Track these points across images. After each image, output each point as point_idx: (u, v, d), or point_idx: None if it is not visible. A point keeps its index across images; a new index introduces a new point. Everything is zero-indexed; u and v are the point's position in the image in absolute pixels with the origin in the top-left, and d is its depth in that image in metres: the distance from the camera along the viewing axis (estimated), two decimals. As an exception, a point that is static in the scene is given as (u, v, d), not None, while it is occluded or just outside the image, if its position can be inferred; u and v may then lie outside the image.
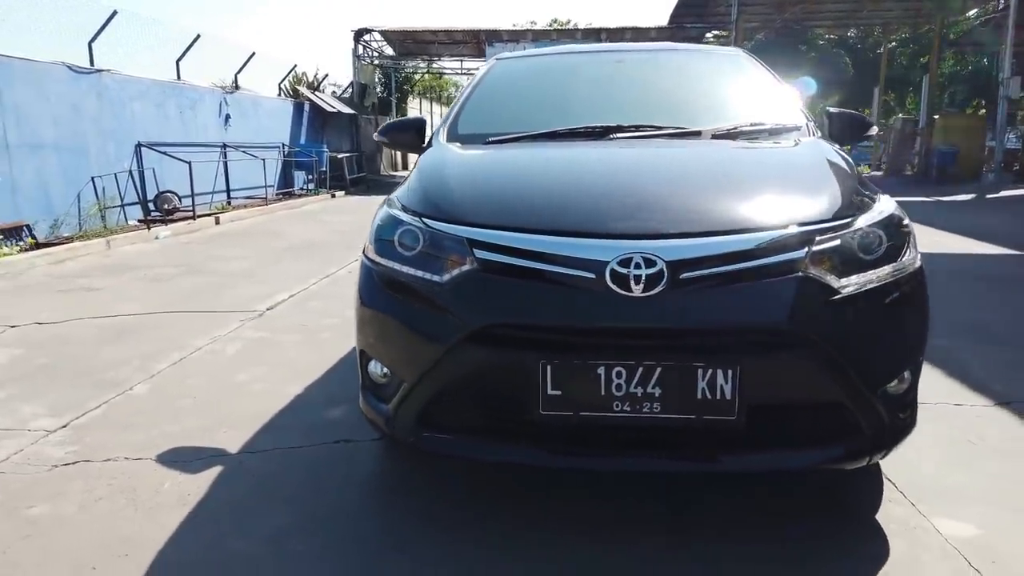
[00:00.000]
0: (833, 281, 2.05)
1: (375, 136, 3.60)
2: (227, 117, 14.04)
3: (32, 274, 7.17)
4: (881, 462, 2.72)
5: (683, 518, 2.38)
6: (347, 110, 21.51)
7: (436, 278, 2.17)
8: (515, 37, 24.13)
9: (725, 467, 2.15)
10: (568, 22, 50.33)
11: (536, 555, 2.16)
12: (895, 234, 2.21)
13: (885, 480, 2.62)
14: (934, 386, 3.58)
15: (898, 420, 2.19)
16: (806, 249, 2.06)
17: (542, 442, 2.14)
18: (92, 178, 9.91)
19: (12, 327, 4.96)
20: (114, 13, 10.25)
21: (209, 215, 11.74)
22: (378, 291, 2.33)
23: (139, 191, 10.75)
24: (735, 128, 2.96)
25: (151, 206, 11.26)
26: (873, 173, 26.29)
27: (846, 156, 2.74)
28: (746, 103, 3.32)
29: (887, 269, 2.14)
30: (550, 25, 48.09)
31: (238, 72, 15.18)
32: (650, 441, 2.11)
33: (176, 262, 7.83)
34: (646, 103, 3.34)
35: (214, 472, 2.71)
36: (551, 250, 2.08)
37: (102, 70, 10.33)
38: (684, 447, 2.11)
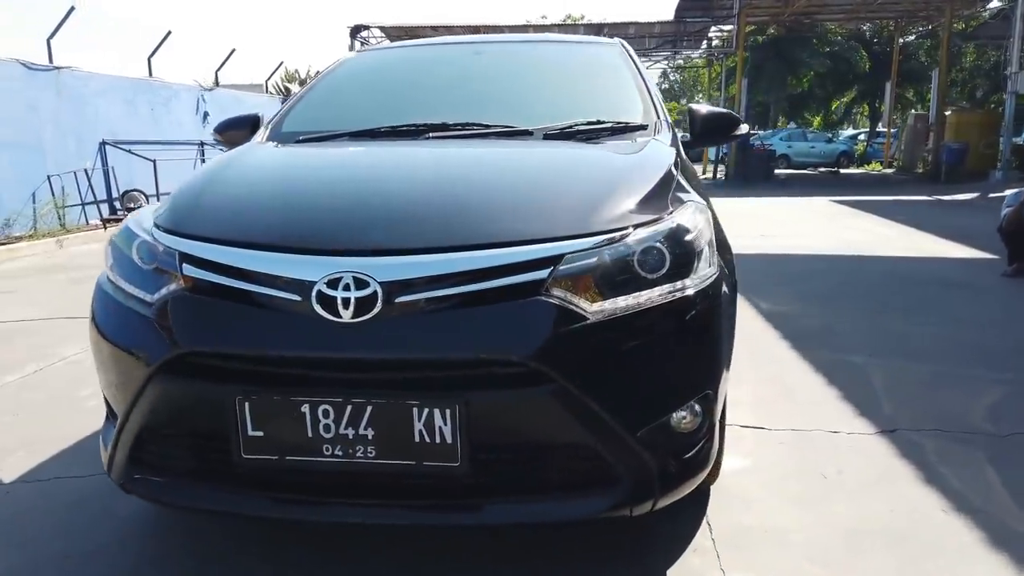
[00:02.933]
0: (583, 305, 1.76)
1: (211, 134, 3.35)
2: (205, 114, 13.89)
3: (-41, 276, 7.04)
4: (713, 492, 2.45)
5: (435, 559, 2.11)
6: (342, 107, 21.31)
7: (148, 298, 1.91)
8: (515, 33, 23.83)
9: (452, 521, 1.87)
10: (582, 17, 49.91)
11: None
12: (677, 250, 1.90)
13: (704, 520, 2.33)
14: (820, 410, 3.27)
15: (673, 464, 1.89)
16: (550, 268, 1.77)
17: (250, 488, 1.87)
18: (48, 177, 9.79)
19: None
20: (71, 9, 10.11)
21: (179, 214, 11.56)
22: (103, 311, 2.06)
23: (93, 189, 10.57)
24: (570, 127, 2.67)
25: (116, 205, 11.13)
26: (884, 171, 25.66)
27: (672, 159, 2.41)
28: (595, 101, 3.01)
29: (659, 290, 1.84)
30: (564, 20, 47.72)
31: (218, 69, 15.03)
32: (371, 489, 1.83)
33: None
34: (487, 99, 3.04)
35: (-30, 504, 2.48)
36: (257, 267, 1.81)
37: (61, 67, 10.19)
38: (407, 497, 1.83)
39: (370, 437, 1.74)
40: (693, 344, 1.93)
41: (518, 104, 2.99)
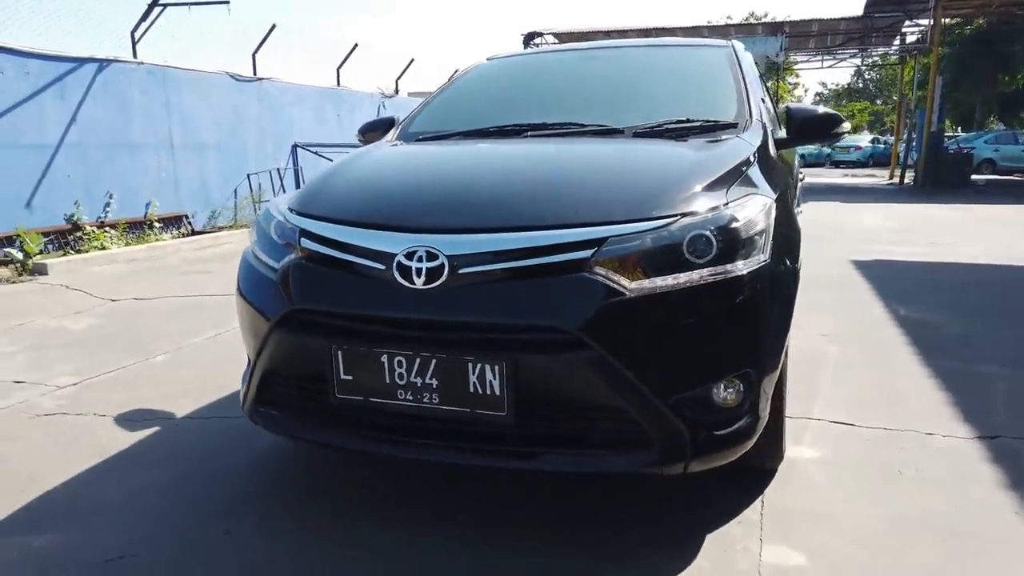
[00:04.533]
0: (624, 283, 1.98)
1: (356, 135, 3.84)
2: (385, 119, 14.99)
3: (171, 258, 8.22)
4: (777, 476, 2.59)
5: (490, 510, 2.40)
6: (514, 111, 22.03)
7: (275, 265, 2.36)
8: (688, 35, 23.52)
9: (500, 464, 2.14)
10: (765, 15, 48.07)
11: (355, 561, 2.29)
12: (724, 238, 2.06)
13: (760, 499, 2.45)
14: (923, 414, 3.20)
15: (708, 433, 2.06)
16: (594, 249, 2.01)
17: (343, 425, 2.25)
18: (248, 175, 11.10)
19: (112, 301, 5.79)
20: (273, 27, 11.40)
21: (357, 210, 12.65)
22: (245, 277, 2.55)
23: (284, 186, 11.80)
24: (659, 126, 2.87)
25: (305, 201, 12.33)
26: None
27: (746, 156, 2.53)
28: (690, 101, 3.17)
29: (700, 273, 2.02)
30: (746, 19, 46.22)
31: (399, 77, 16.20)
32: (438, 433, 2.15)
33: (295, 252, 8.61)
34: (588, 101, 3.29)
35: (148, 431, 3.08)
36: (353, 240, 2.19)
37: (263, 78, 11.51)
38: (462, 439, 2.13)
39: (434, 386, 2.06)
40: (731, 324, 2.08)
41: (616, 105, 3.21)
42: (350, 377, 2.14)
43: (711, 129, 2.84)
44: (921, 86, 25.47)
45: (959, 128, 36.07)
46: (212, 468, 2.74)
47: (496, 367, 1.99)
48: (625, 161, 2.53)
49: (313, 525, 2.35)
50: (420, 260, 2.06)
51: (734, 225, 2.10)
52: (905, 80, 28.27)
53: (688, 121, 2.89)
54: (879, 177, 25.23)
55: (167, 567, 2.12)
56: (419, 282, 2.05)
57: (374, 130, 3.62)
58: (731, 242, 2.08)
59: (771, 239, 2.21)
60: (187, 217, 9.88)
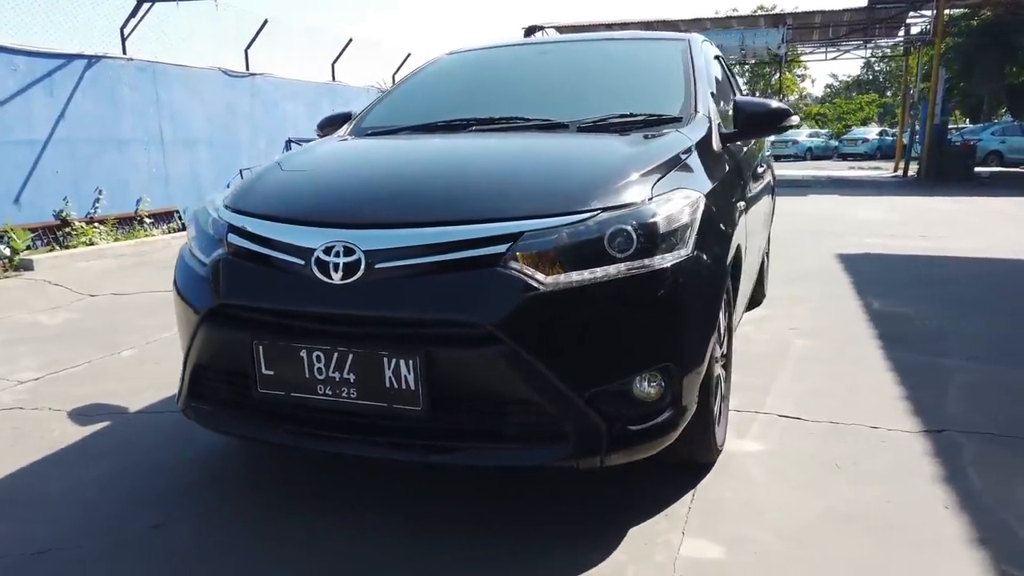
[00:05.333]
0: (539, 277, 1.98)
1: (315, 130, 3.85)
2: (382, 114, 15.01)
3: (159, 253, 8.26)
4: (714, 470, 2.59)
5: (416, 503, 2.41)
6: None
7: (205, 260, 2.37)
8: (690, 27, 23.38)
9: (417, 458, 2.15)
10: (773, 7, 47.74)
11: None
12: (644, 233, 2.06)
13: (692, 492, 2.45)
14: (873, 407, 3.19)
15: (625, 427, 2.06)
16: (509, 244, 2.01)
17: (268, 420, 2.26)
18: (240, 170, 11.12)
19: (91, 296, 5.84)
20: (265, 22, 11.42)
21: (352, 205, 12.66)
22: (180, 272, 2.55)
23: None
24: (603, 120, 2.86)
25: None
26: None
27: (680, 150, 2.52)
28: (637, 95, 3.16)
29: (618, 268, 2.01)
30: (754, 11, 45.90)
31: (395, 72, 16.18)
32: (354, 425, 2.16)
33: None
34: (536, 95, 3.29)
35: (100, 425, 3.11)
36: (274, 236, 2.21)
37: (255, 73, 11.53)
38: (380, 433, 2.13)
39: (352, 380, 2.07)
40: (650, 318, 2.08)
41: (565, 99, 3.21)
42: (271, 372, 2.15)
43: (654, 123, 2.84)
44: (926, 78, 25.24)
45: (968, 120, 35.72)
46: (157, 461, 2.76)
47: (410, 362, 1.99)
48: (557, 155, 2.53)
49: (249, 517, 2.37)
50: (337, 255, 2.07)
51: (654, 220, 2.10)
52: (912, 72, 28.02)
53: (632, 116, 2.88)
54: (884, 170, 25.06)
55: (94, 559, 2.15)
56: (336, 277, 2.06)
57: (331, 124, 3.63)
58: (652, 237, 2.08)
59: (696, 234, 2.20)
60: (178, 212, 9.93)
